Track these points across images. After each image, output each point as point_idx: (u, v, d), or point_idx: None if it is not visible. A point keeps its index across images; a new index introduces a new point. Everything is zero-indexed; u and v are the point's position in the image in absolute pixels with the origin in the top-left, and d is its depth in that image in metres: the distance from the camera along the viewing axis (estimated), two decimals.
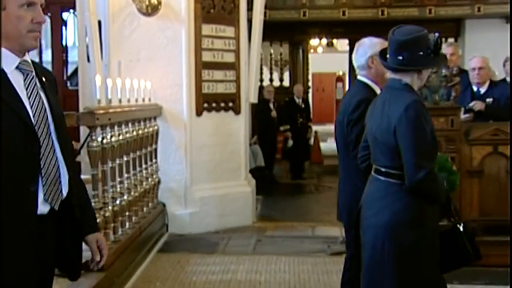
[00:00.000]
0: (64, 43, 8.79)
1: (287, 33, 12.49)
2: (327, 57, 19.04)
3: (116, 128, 4.65)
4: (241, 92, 6.56)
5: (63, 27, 8.71)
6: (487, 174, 4.64)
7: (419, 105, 2.58)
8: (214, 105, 6.33)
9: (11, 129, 1.83)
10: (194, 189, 6.16)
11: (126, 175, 4.91)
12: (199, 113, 6.20)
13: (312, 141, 11.40)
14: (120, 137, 4.71)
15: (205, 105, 6.25)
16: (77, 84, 7.05)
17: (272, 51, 13.09)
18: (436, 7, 11.43)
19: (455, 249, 2.77)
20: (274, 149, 10.16)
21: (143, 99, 5.48)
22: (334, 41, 17.70)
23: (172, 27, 6.02)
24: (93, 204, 3.90)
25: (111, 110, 4.55)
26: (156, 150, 5.84)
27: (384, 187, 2.68)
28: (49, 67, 8.07)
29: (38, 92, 1.95)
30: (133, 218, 5.05)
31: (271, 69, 13.09)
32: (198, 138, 6.19)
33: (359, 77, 3.41)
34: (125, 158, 4.89)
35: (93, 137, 4.17)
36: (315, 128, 11.64)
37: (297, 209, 7.74)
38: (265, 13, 7.66)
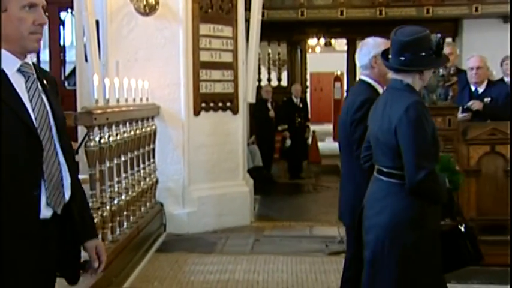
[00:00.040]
0: (62, 43, 8.78)
1: (285, 33, 12.50)
2: (325, 57, 19.04)
3: (113, 127, 4.64)
4: (239, 92, 6.56)
5: (61, 27, 8.70)
6: (484, 173, 4.65)
7: (420, 106, 2.58)
8: (212, 105, 6.33)
9: (13, 133, 1.81)
10: (192, 189, 6.16)
11: (123, 175, 4.91)
12: (197, 113, 6.20)
13: (310, 141, 11.41)
14: (118, 137, 4.70)
15: (203, 105, 6.25)
16: (74, 84, 7.05)
17: (270, 50, 13.10)
18: (434, 7, 11.45)
19: (456, 250, 2.77)
20: (272, 148, 10.17)
21: (141, 99, 5.48)
22: (332, 40, 17.68)
23: (170, 27, 6.02)
24: (90, 204, 3.93)
25: (108, 110, 4.55)
26: (154, 150, 5.84)
27: (385, 187, 2.69)
28: (47, 67, 8.06)
29: (39, 94, 1.92)
30: (131, 218, 5.05)
31: (269, 68, 13.10)
32: (196, 138, 6.19)
33: (362, 77, 3.41)
34: (123, 158, 4.89)
35: (91, 137, 4.17)
36: (313, 127, 11.65)
37: (295, 208, 7.75)
38: (263, 13, 7.67)
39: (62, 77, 8.69)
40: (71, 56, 8.29)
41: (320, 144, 12.26)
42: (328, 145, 14.47)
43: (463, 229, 2.80)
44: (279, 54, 13.20)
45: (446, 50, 5.98)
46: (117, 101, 4.89)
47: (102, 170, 4.40)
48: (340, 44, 16.73)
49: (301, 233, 6.23)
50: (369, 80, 3.33)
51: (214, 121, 6.36)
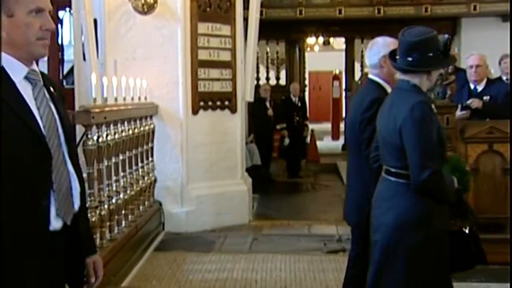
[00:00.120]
0: (60, 41, 8.77)
1: (284, 31, 12.50)
2: (323, 56, 19.03)
3: (111, 126, 4.64)
4: (237, 91, 6.56)
5: (59, 26, 8.69)
6: (482, 172, 4.66)
7: (424, 106, 2.59)
8: (210, 103, 6.33)
9: (21, 141, 1.76)
10: (190, 187, 6.16)
11: (122, 174, 4.91)
12: (195, 112, 6.20)
13: (308, 139, 11.41)
14: (116, 136, 4.70)
15: (202, 103, 6.25)
16: (72, 83, 7.04)
17: (268, 49, 13.10)
18: (432, 5, 11.46)
19: (459, 252, 2.78)
20: (271, 147, 10.16)
21: (139, 98, 5.47)
22: (331, 39, 17.68)
23: (168, 25, 6.01)
24: (89, 203, 3.93)
25: (106, 109, 4.55)
26: (152, 148, 5.83)
27: (392, 187, 2.70)
28: (45, 66, 8.05)
29: (47, 102, 1.87)
30: (130, 217, 5.05)
31: (267, 67, 13.09)
32: (194, 136, 6.19)
33: (370, 76, 3.40)
34: (121, 157, 4.88)
35: (89, 136, 4.17)
36: (311, 126, 11.64)
37: (293, 207, 7.75)
38: (261, 11, 7.67)
39: (60, 76, 8.68)
40: (69, 54, 8.29)
41: (318, 143, 12.26)
42: (327, 144, 14.49)
43: (467, 231, 2.81)
44: (277, 53, 13.20)
45: None
46: (115, 99, 4.88)
47: (100, 168, 4.40)
48: (339, 42, 16.72)
49: (300, 231, 6.23)
50: (378, 80, 3.33)
51: (213, 120, 6.36)
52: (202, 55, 6.20)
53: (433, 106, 2.71)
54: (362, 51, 12.95)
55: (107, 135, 4.50)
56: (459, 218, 2.83)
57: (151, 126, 5.80)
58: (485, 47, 7.64)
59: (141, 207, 5.41)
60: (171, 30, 6.02)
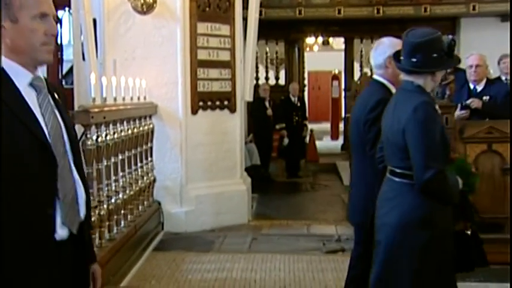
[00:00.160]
0: (59, 41, 8.77)
1: (283, 31, 12.50)
2: (322, 56, 19.04)
3: (111, 126, 4.64)
4: (236, 91, 6.56)
5: (58, 26, 8.69)
6: (481, 172, 4.65)
7: (428, 107, 2.59)
8: (209, 103, 6.33)
9: (26, 149, 1.72)
10: (190, 187, 6.16)
11: (121, 173, 4.91)
12: (194, 112, 6.20)
13: (307, 139, 11.41)
14: (115, 136, 4.70)
15: (201, 103, 6.25)
16: (72, 83, 7.05)
17: (268, 49, 13.10)
18: (432, 5, 11.46)
19: (460, 254, 2.78)
20: (270, 147, 10.16)
21: (138, 98, 5.48)
22: (330, 39, 17.69)
23: (168, 25, 6.01)
24: None
25: (106, 109, 4.55)
26: (151, 148, 5.83)
27: (396, 187, 2.70)
28: (44, 66, 8.04)
29: (52, 109, 1.84)
30: (129, 217, 5.05)
31: (266, 67, 13.09)
32: (193, 136, 6.19)
33: (375, 77, 3.41)
34: (120, 157, 4.88)
35: (88, 136, 4.17)
36: (310, 126, 11.64)
37: (292, 207, 7.75)
38: (260, 11, 7.66)
39: (60, 76, 8.69)
40: (68, 54, 8.29)
41: (318, 143, 12.26)
42: (326, 144, 14.49)
43: (469, 233, 2.82)
44: (276, 52, 13.20)
45: None
46: (115, 99, 4.88)
47: (99, 168, 4.40)
48: (338, 42, 16.73)
49: (299, 231, 6.23)
50: (383, 80, 3.33)
51: (212, 120, 6.36)
52: (202, 55, 6.20)
53: (437, 107, 2.71)
54: (361, 51, 12.97)
55: (106, 135, 4.50)
56: (463, 219, 2.83)
57: (151, 126, 5.80)
58: (484, 47, 7.64)
59: (140, 207, 5.42)
60: (170, 30, 6.02)
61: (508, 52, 6.64)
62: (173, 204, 6.11)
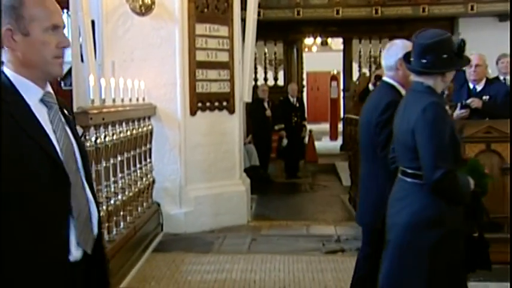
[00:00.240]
0: None
1: (281, 32, 12.51)
2: (321, 56, 19.05)
3: (109, 127, 4.64)
4: (235, 91, 6.56)
5: None
6: None
7: (437, 107, 2.61)
8: (208, 104, 6.33)
9: (38, 168, 1.67)
10: (189, 188, 6.16)
11: (120, 175, 4.90)
12: (193, 113, 6.20)
13: (306, 140, 11.41)
14: (114, 137, 4.70)
15: (200, 104, 6.25)
16: (70, 84, 7.03)
17: (266, 50, 13.11)
18: (430, 5, 11.48)
19: (467, 255, 2.79)
20: (269, 148, 10.16)
21: (137, 99, 5.48)
22: (329, 40, 17.70)
23: (166, 26, 6.01)
24: None
25: (104, 110, 4.55)
26: (150, 149, 5.84)
27: (407, 187, 2.71)
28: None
29: (63, 126, 1.79)
30: (128, 218, 5.05)
31: (265, 68, 13.11)
32: (192, 137, 6.19)
33: (385, 78, 3.41)
34: (119, 158, 4.88)
35: (87, 137, 4.17)
36: (309, 127, 11.65)
37: (291, 207, 7.75)
38: (259, 12, 7.67)
39: (58, 78, 8.67)
40: (67, 56, 8.23)
41: (317, 144, 12.27)
42: (325, 144, 14.49)
43: (476, 235, 2.82)
44: (275, 53, 13.20)
45: None
46: (113, 101, 4.88)
47: (98, 170, 4.40)
48: (337, 43, 16.73)
49: (298, 232, 6.23)
50: (393, 82, 3.34)
51: (211, 121, 6.36)
52: (200, 56, 6.20)
53: (446, 107, 2.72)
54: (360, 52, 12.98)
55: (105, 137, 4.50)
56: (473, 220, 2.83)
57: (150, 127, 5.80)
58: (483, 46, 7.65)
59: (139, 209, 5.41)
60: (168, 31, 6.02)
61: (506, 52, 6.65)
62: (172, 205, 6.11)
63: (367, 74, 12.07)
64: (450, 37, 2.70)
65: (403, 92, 3.25)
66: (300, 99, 10.94)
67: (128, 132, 5.07)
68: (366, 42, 12.79)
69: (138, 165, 5.42)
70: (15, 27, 1.70)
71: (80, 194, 1.77)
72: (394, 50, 3.32)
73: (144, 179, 5.56)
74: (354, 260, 4.99)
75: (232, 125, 6.59)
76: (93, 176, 4.28)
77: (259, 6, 7.75)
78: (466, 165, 2.79)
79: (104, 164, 4.52)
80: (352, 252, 5.31)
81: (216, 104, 6.40)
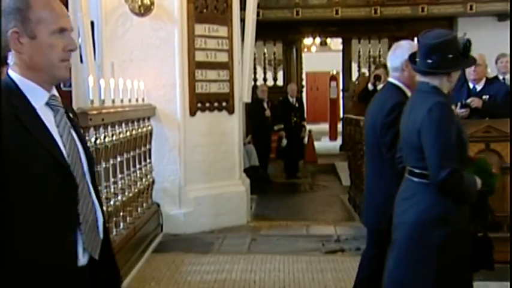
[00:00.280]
0: None
1: (280, 32, 12.52)
2: (320, 56, 19.07)
3: (109, 128, 4.64)
4: (234, 92, 6.57)
5: None
6: None
7: (443, 107, 2.61)
8: (207, 105, 6.33)
9: (46, 173, 1.64)
10: (188, 189, 6.16)
11: (120, 175, 4.90)
12: (192, 113, 6.20)
13: (306, 140, 11.42)
14: (114, 138, 4.71)
15: (199, 105, 6.25)
16: (70, 85, 7.03)
17: (266, 50, 13.12)
18: (429, 5, 11.50)
19: (472, 254, 2.80)
20: (269, 148, 10.17)
21: (136, 100, 5.48)
22: (328, 40, 17.72)
23: (165, 27, 6.02)
24: None
25: (104, 111, 4.55)
26: (150, 150, 5.84)
27: (414, 187, 2.72)
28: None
29: (69, 130, 1.76)
30: (128, 219, 5.05)
31: (264, 68, 13.11)
32: (191, 138, 6.19)
33: (390, 79, 3.41)
34: (119, 159, 4.88)
35: (87, 138, 4.16)
36: (309, 127, 11.66)
37: (291, 208, 7.75)
38: (258, 12, 7.68)
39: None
40: None
41: (316, 144, 12.28)
42: (325, 144, 14.50)
43: (480, 235, 2.83)
44: (274, 53, 13.21)
45: None
46: (113, 101, 4.88)
47: (98, 170, 4.39)
48: (336, 43, 16.74)
49: (298, 232, 6.23)
50: (398, 83, 3.33)
51: (210, 121, 6.36)
52: (200, 56, 6.20)
53: (453, 107, 2.73)
54: (359, 52, 12.98)
55: (104, 137, 4.50)
56: (479, 219, 2.83)
57: (149, 127, 5.80)
58: (482, 46, 7.63)
59: (139, 209, 5.41)
60: (168, 32, 6.02)
61: (505, 51, 6.66)
62: (172, 206, 6.11)
63: (367, 74, 12.08)
64: (455, 37, 2.71)
65: (408, 93, 3.25)
66: (299, 100, 10.94)
67: (128, 133, 5.07)
68: (365, 42, 12.80)
69: (137, 166, 5.42)
70: (21, 30, 1.68)
71: (86, 198, 1.75)
72: (400, 52, 3.31)
73: (143, 180, 5.56)
74: (354, 260, 5.02)
75: (231, 125, 6.59)
76: None
77: (259, 6, 7.76)
78: (474, 164, 2.79)
79: (104, 165, 4.52)
80: (352, 252, 5.31)
81: (216, 104, 6.40)
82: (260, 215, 7.11)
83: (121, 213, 4.86)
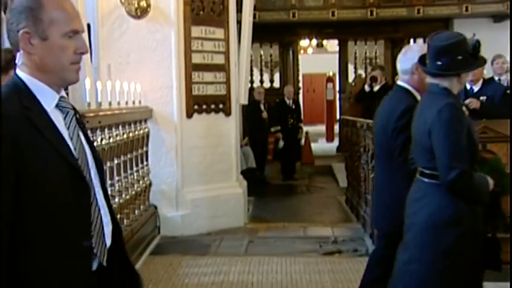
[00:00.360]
0: None
1: (277, 34, 12.53)
2: (317, 58, 19.07)
3: (106, 130, 4.64)
4: (231, 94, 6.57)
5: None
6: None
7: (453, 108, 2.63)
8: (204, 107, 6.33)
9: (60, 177, 1.61)
10: (185, 191, 6.16)
11: (117, 178, 4.91)
12: (189, 115, 6.20)
13: (303, 142, 11.43)
14: (111, 140, 4.71)
15: (196, 107, 6.25)
16: (66, 88, 7.03)
17: (262, 52, 13.12)
18: (425, 7, 11.52)
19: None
20: (265, 150, 10.18)
21: (133, 102, 5.48)
22: (324, 41, 17.72)
23: (162, 29, 6.02)
24: None
25: (101, 113, 4.55)
26: (147, 152, 5.84)
27: (425, 187, 2.73)
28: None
29: (78, 132, 1.72)
30: (125, 221, 5.04)
31: (261, 70, 13.11)
32: (188, 140, 6.19)
33: (400, 82, 3.41)
34: (116, 161, 4.88)
35: None
36: (305, 128, 11.67)
37: (288, 209, 7.75)
38: (254, 14, 7.69)
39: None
40: None
41: (313, 145, 12.28)
42: (321, 146, 14.51)
43: (490, 235, 2.84)
44: (271, 55, 13.22)
45: None
46: (110, 104, 4.88)
47: None
48: (332, 45, 16.75)
49: (295, 233, 6.23)
50: (408, 87, 3.33)
51: (207, 123, 6.36)
52: (196, 58, 6.20)
53: (464, 109, 2.74)
54: (355, 53, 13.00)
55: (101, 140, 4.50)
56: (492, 220, 2.84)
57: (146, 130, 5.80)
58: None
59: (136, 211, 5.41)
60: (164, 34, 6.02)
61: (501, 52, 6.69)
62: (169, 208, 6.10)
63: (363, 76, 12.09)
64: (465, 38, 2.72)
65: (418, 96, 3.25)
66: (296, 101, 10.95)
67: (125, 135, 5.07)
68: (362, 43, 12.82)
69: (134, 168, 5.42)
70: (33, 31, 1.64)
71: (93, 202, 1.71)
72: (410, 54, 3.31)
73: (140, 182, 5.56)
74: (351, 261, 5.04)
75: (228, 127, 6.59)
76: None
77: (255, 8, 7.76)
78: (487, 165, 2.80)
79: None
80: (349, 254, 5.32)
81: (212, 106, 6.40)
82: (257, 217, 7.10)
83: (118, 216, 4.85)
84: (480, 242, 2.73)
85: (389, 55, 12.57)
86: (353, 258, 5.15)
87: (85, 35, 5.53)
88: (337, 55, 13.71)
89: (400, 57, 3.42)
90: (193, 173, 6.22)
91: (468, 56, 2.69)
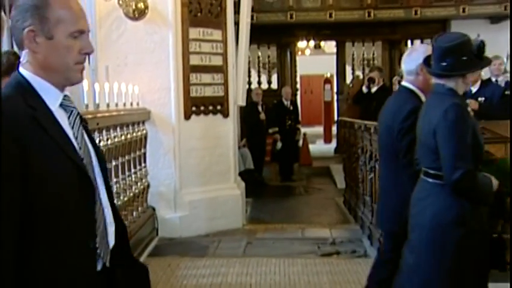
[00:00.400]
0: None
1: (274, 35, 12.53)
2: (314, 59, 19.08)
3: (104, 132, 4.64)
4: (229, 95, 6.57)
5: None
6: None
7: (458, 108, 2.64)
8: (202, 108, 6.33)
9: (66, 177, 1.59)
10: (183, 192, 6.16)
11: (115, 179, 4.90)
12: (187, 117, 6.20)
13: (300, 143, 11.43)
14: (109, 142, 4.71)
15: (194, 108, 6.26)
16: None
17: (260, 53, 13.13)
18: (422, 8, 11.54)
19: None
20: (263, 151, 10.17)
21: (131, 104, 5.48)
22: (322, 43, 17.74)
23: (160, 31, 6.02)
24: None
25: (99, 115, 4.55)
26: (145, 154, 5.83)
27: (429, 187, 2.74)
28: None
29: (82, 131, 1.71)
30: None
31: (259, 71, 13.12)
32: (186, 141, 6.19)
33: (404, 83, 3.41)
34: (114, 163, 4.88)
35: None
36: (303, 130, 11.67)
37: (286, 211, 7.76)
38: (252, 16, 7.70)
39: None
40: None
41: (311, 147, 12.29)
42: (319, 147, 14.52)
43: (495, 236, 2.85)
44: (268, 57, 13.22)
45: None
46: (107, 105, 4.88)
47: None
48: (330, 46, 16.76)
49: (293, 235, 6.24)
50: (412, 87, 3.34)
51: (205, 125, 6.36)
52: (194, 60, 6.20)
53: (469, 109, 2.75)
54: (353, 54, 13.02)
55: (99, 141, 4.50)
56: (498, 220, 2.85)
57: (144, 131, 5.80)
58: None
59: (134, 213, 5.41)
60: (162, 36, 6.03)
61: (498, 54, 6.70)
62: (167, 210, 6.10)
63: (361, 77, 12.10)
64: (469, 39, 2.73)
65: (422, 97, 3.25)
66: (293, 103, 10.96)
67: (123, 137, 5.07)
68: (359, 45, 12.83)
69: (132, 170, 5.42)
70: (38, 29, 1.62)
71: (97, 203, 1.70)
72: (415, 55, 3.31)
73: (139, 184, 5.56)
74: (349, 262, 5.05)
75: (226, 128, 6.59)
76: None
77: (253, 10, 7.78)
78: (494, 165, 2.81)
79: None
80: (348, 255, 5.33)
81: (210, 107, 6.41)
82: (255, 218, 7.11)
83: None
84: (485, 242, 2.74)
85: (386, 56, 12.60)
86: (351, 260, 5.16)
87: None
88: (334, 56, 13.71)
89: (404, 58, 3.43)
90: (191, 174, 6.22)
91: (473, 56, 2.70)
